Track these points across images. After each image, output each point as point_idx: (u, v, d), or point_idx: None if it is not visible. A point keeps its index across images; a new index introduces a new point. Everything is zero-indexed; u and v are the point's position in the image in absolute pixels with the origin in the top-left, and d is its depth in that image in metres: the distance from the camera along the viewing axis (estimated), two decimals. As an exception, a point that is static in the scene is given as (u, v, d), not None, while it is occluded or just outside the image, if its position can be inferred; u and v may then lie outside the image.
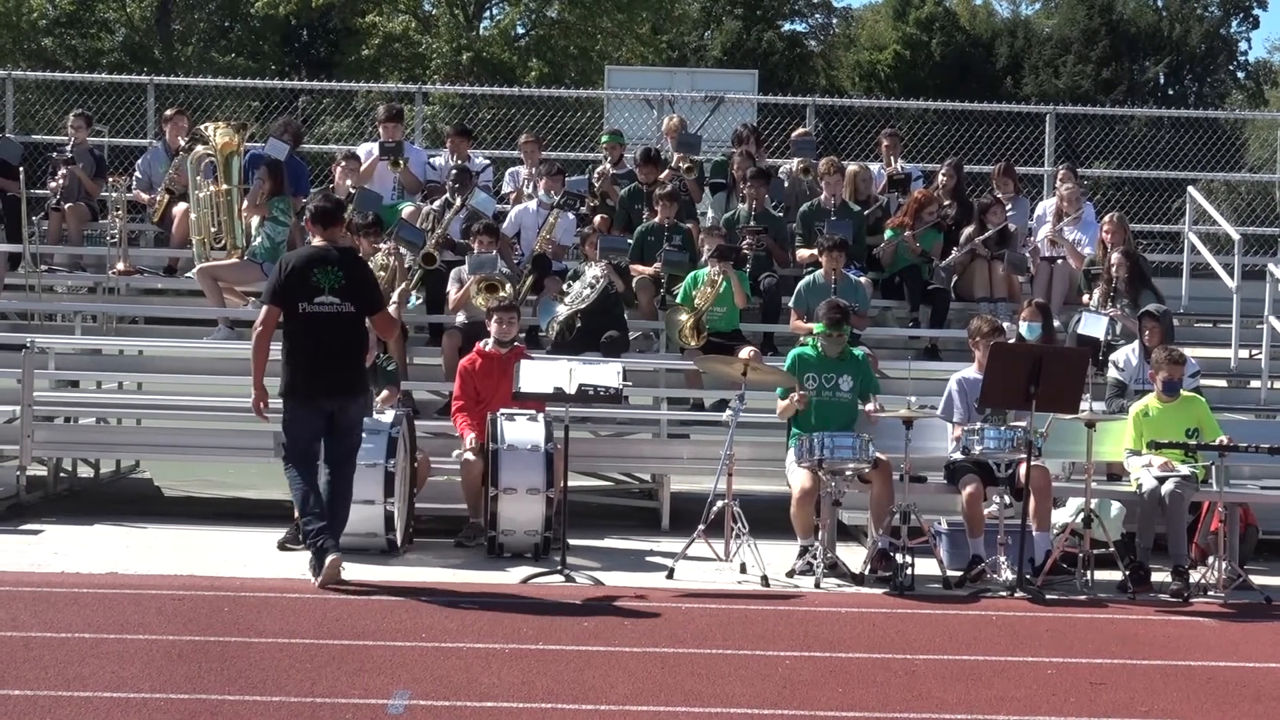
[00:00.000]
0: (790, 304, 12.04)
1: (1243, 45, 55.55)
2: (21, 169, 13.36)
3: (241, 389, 10.55)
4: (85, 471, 13.20)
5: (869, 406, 9.95)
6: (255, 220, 12.61)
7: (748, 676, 7.01)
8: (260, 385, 8.93)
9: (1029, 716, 6.55)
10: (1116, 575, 9.36)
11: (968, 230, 13.10)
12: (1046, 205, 13.78)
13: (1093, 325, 11.54)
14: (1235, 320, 12.99)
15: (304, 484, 8.80)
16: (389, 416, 9.82)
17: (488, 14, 42.98)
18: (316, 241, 9.02)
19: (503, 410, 10.02)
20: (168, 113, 14.33)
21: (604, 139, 14.97)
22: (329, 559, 8.63)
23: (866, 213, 13.50)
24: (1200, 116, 19.75)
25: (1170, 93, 50.41)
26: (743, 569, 9.47)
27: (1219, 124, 20.18)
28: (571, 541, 9.57)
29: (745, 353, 10.94)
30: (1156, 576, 9.33)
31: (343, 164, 13.10)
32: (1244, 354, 13.23)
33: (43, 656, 6.95)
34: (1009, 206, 13.40)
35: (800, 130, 15.44)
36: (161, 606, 8.14)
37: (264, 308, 8.92)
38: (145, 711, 6.16)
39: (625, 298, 12.29)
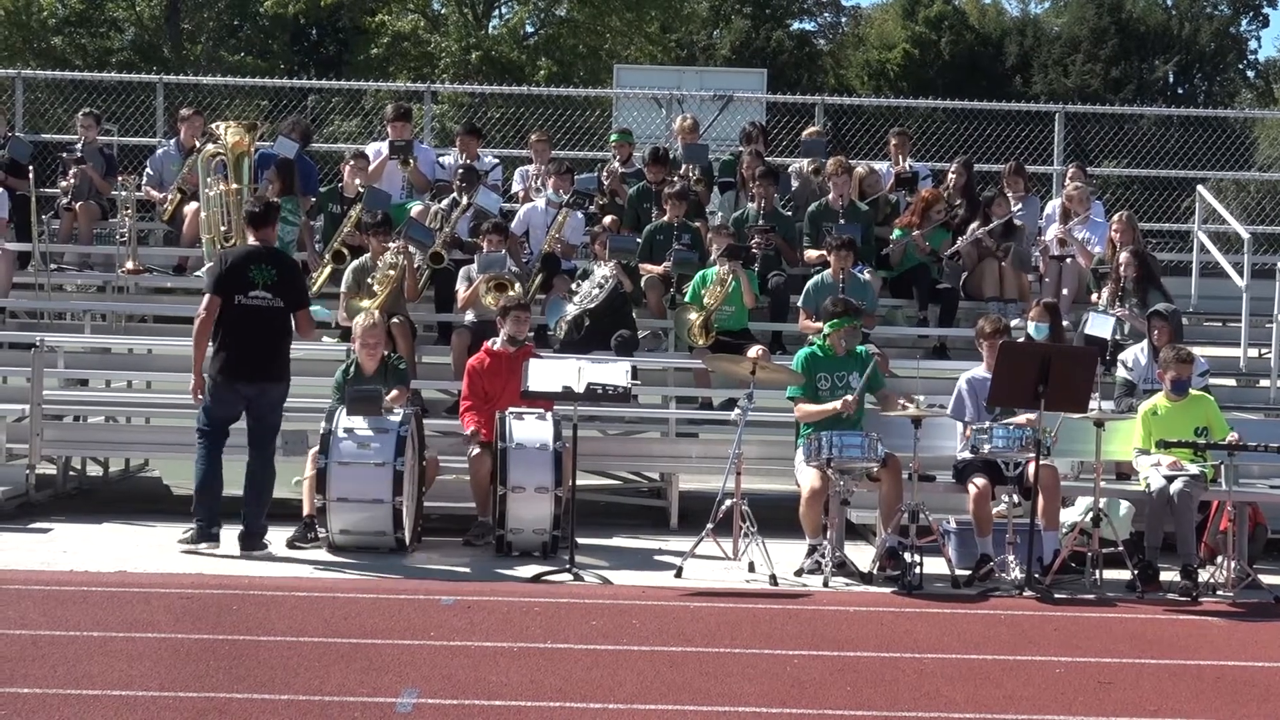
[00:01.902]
0: (800, 304, 12.03)
1: (1252, 44, 55.41)
2: (31, 168, 13.39)
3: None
4: (94, 470, 13.25)
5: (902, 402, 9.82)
6: (264, 219, 12.62)
7: (756, 675, 7.01)
8: (200, 372, 9.55)
9: (1037, 715, 6.54)
10: (1125, 574, 9.35)
11: (974, 225, 13.09)
12: (1056, 204, 13.77)
13: (1099, 326, 11.50)
14: (1244, 319, 12.97)
15: (207, 465, 9.56)
16: (398, 415, 9.83)
17: (496, 13, 43.02)
18: (251, 241, 9.83)
19: (511, 409, 10.03)
20: (184, 112, 14.27)
21: (613, 138, 14.95)
22: (206, 544, 9.49)
23: (874, 199, 13.48)
24: (1210, 115, 19.69)
25: (1180, 91, 50.31)
26: (751, 568, 9.47)
27: (1228, 123, 20.16)
28: (580, 540, 9.59)
29: (754, 352, 10.93)
30: (1165, 576, 9.32)
31: (351, 163, 13.11)
32: (1253, 353, 13.22)
33: (51, 655, 6.96)
34: (1018, 205, 13.38)
35: (811, 129, 15.37)
36: (170, 605, 8.16)
37: (207, 297, 9.56)
38: (154, 710, 6.17)
39: (634, 297, 12.29)
